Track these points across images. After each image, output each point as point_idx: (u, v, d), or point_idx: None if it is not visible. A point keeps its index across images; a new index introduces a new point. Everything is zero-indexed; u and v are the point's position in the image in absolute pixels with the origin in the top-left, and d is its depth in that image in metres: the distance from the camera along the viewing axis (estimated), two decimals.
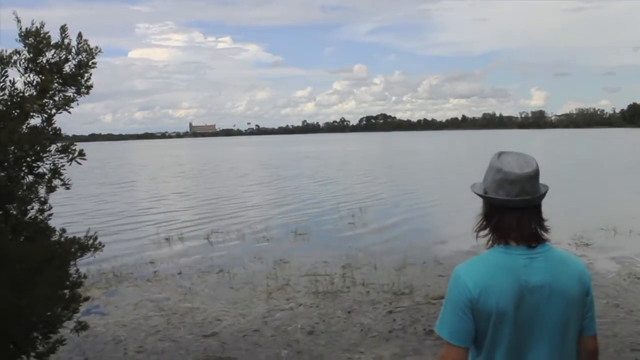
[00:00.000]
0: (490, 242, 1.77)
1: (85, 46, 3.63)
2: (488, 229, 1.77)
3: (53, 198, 3.66)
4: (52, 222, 3.85)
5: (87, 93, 3.68)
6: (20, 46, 3.45)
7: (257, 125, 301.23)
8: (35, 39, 3.44)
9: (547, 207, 1.83)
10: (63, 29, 3.54)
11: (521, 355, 1.69)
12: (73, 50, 3.60)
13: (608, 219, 10.95)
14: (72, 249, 3.78)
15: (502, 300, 1.64)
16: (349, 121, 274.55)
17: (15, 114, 3.34)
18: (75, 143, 3.56)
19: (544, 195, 1.73)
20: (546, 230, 1.74)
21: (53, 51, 3.53)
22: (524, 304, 1.65)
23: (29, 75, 3.49)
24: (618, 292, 6.47)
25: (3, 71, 3.42)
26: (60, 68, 3.55)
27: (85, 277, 4.28)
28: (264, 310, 6.31)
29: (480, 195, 1.79)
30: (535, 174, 1.71)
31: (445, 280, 7.23)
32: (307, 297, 6.78)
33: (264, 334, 5.58)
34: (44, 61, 3.52)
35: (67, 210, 13.66)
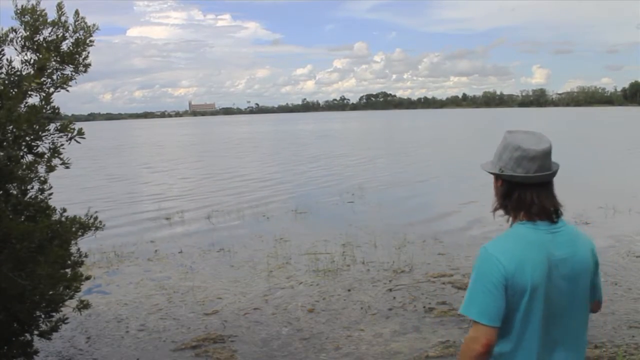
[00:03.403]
0: (512, 220, 1.79)
1: (82, 24, 3.59)
2: (507, 207, 1.79)
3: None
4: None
5: (85, 71, 3.65)
6: (16, 24, 3.42)
7: (256, 104, 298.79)
8: (31, 17, 3.40)
9: None
10: (59, 7, 3.49)
11: (549, 330, 1.71)
12: (70, 28, 3.56)
13: (607, 197, 10.97)
14: (73, 228, 3.80)
15: (536, 274, 1.65)
16: (349, 99, 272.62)
17: (13, 92, 3.31)
18: (74, 122, 3.54)
19: (557, 171, 1.78)
20: (561, 205, 1.77)
21: (50, 29, 3.50)
22: (552, 278, 1.68)
23: (26, 54, 3.45)
24: (617, 271, 6.50)
25: (0, 49, 3.38)
26: (58, 46, 3.52)
27: (86, 256, 4.31)
28: (264, 289, 6.35)
29: (497, 174, 1.80)
30: (550, 150, 1.75)
31: (445, 258, 7.30)
32: (307, 275, 6.82)
33: (265, 312, 5.62)
34: (41, 39, 3.49)
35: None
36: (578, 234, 1.80)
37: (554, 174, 1.76)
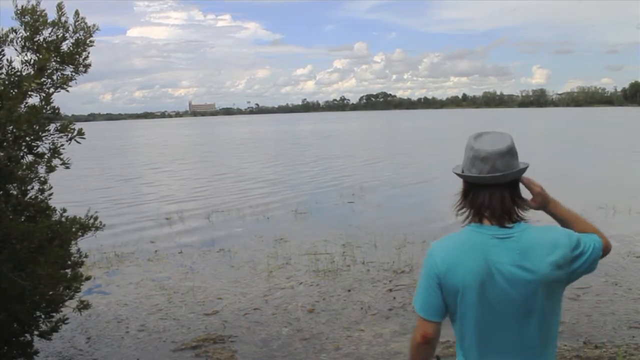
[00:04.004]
0: (467, 220, 1.77)
1: (82, 24, 3.59)
2: (465, 207, 1.78)
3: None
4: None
5: (85, 72, 3.65)
6: (16, 24, 3.42)
7: (256, 104, 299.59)
8: (31, 17, 3.40)
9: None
10: (59, 7, 3.50)
11: (490, 336, 1.69)
12: (70, 28, 3.56)
13: (608, 197, 10.96)
14: (73, 229, 3.80)
15: (467, 278, 1.65)
16: (349, 100, 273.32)
17: (14, 93, 3.32)
18: (74, 122, 3.54)
19: (519, 171, 1.72)
20: (524, 208, 1.73)
21: (50, 29, 3.50)
22: (491, 284, 1.64)
23: (26, 54, 3.46)
24: (617, 271, 6.50)
25: (0, 50, 3.39)
26: (58, 46, 3.52)
27: (86, 256, 4.31)
28: (264, 289, 6.35)
29: (457, 174, 1.81)
30: (508, 151, 1.69)
31: None
32: (307, 275, 6.82)
33: (265, 312, 5.62)
34: (41, 39, 3.49)
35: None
36: (541, 238, 1.66)
37: (511, 174, 1.69)
